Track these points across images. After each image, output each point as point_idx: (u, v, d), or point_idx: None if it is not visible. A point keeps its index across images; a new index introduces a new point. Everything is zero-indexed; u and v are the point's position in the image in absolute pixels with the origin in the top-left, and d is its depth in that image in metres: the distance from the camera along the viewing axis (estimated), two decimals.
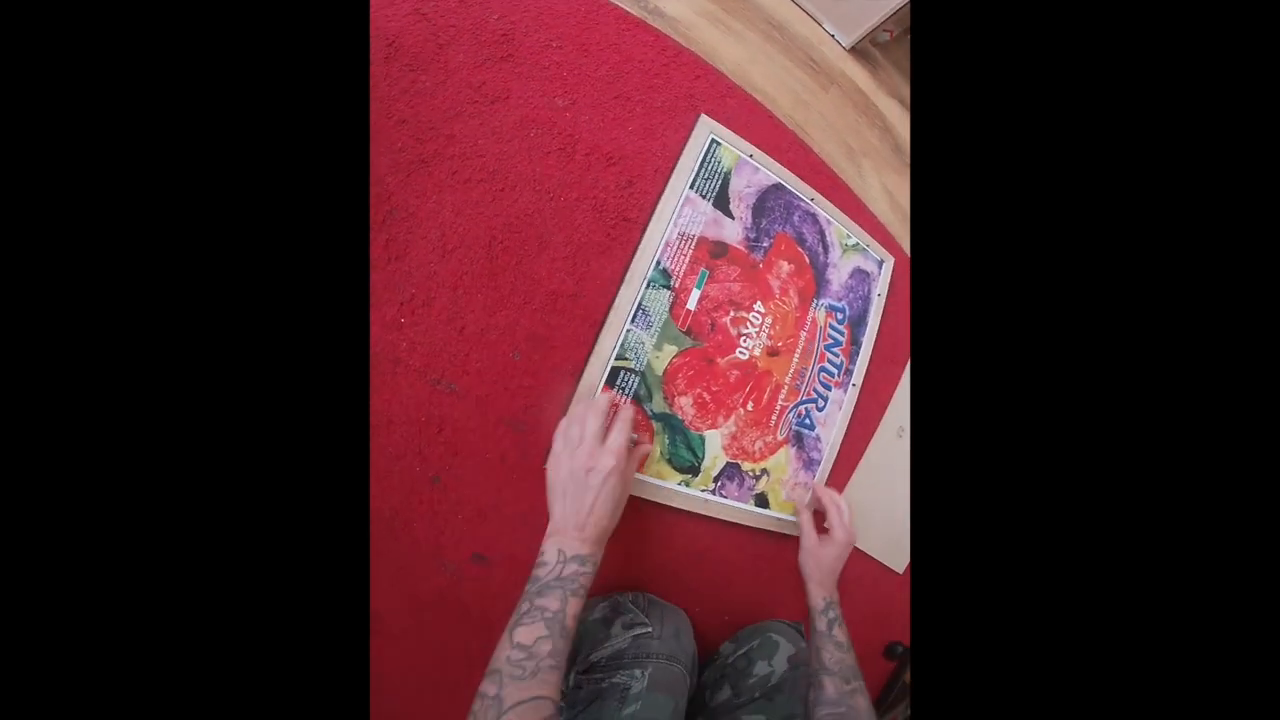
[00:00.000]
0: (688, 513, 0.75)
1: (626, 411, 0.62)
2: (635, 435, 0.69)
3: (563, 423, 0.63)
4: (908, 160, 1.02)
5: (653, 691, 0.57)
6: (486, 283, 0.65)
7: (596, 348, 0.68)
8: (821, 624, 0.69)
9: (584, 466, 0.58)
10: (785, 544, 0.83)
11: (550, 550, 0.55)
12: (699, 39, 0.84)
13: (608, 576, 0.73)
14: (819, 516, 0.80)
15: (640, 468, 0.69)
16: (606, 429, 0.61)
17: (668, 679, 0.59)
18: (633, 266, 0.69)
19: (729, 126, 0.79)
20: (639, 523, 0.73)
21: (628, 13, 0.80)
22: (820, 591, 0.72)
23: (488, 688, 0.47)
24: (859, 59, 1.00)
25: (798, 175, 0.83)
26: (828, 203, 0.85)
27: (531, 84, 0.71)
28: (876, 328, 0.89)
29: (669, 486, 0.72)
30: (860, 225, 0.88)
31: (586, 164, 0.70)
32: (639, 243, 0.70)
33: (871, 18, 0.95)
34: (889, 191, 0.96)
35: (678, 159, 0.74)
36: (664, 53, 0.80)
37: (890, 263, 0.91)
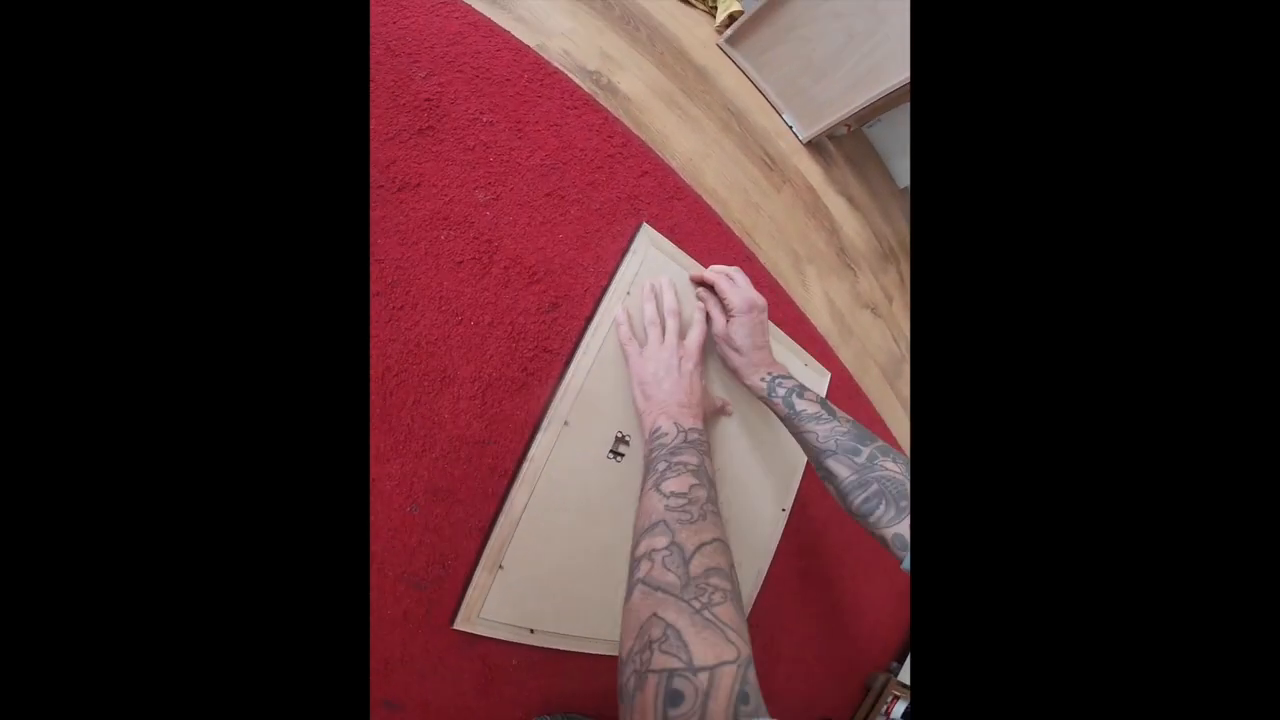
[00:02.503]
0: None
1: (698, 322, 0.63)
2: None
3: (624, 330, 0.60)
4: (849, 261, 0.95)
5: None
6: (378, 424, 0.51)
7: (507, 504, 0.55)
8: (779, 405, 0.57)
9: (675, 357, 0.58)
10: None
11: (666, 424, 0.53)
12: (651, 125, 0.72)
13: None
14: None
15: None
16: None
17: None
18: (552, 409, 0.57)
19: (673, 237, 0.68)
20: (567, 669, 0.64)
21: (577, 86, 0.67)
22: (755, 373, 0.60)
23: (656, 540, 0.40)
24: (813, 153, 0.92)
25: None
26: (770, 324, 0.76)
27: (450, 169, 0.57)
28: None
29: (594, 637, 0.63)
30: (800, 342, 0.80)
31: (505, 279, 0.57)
32: (561, 379, 0.58)
33: (835, 113, 0.87)
34: (830, 299, 0.89)
35: (611, 278, 0.63)
36: (610, 140, 0.68)
37: (827, 378, 0.84)
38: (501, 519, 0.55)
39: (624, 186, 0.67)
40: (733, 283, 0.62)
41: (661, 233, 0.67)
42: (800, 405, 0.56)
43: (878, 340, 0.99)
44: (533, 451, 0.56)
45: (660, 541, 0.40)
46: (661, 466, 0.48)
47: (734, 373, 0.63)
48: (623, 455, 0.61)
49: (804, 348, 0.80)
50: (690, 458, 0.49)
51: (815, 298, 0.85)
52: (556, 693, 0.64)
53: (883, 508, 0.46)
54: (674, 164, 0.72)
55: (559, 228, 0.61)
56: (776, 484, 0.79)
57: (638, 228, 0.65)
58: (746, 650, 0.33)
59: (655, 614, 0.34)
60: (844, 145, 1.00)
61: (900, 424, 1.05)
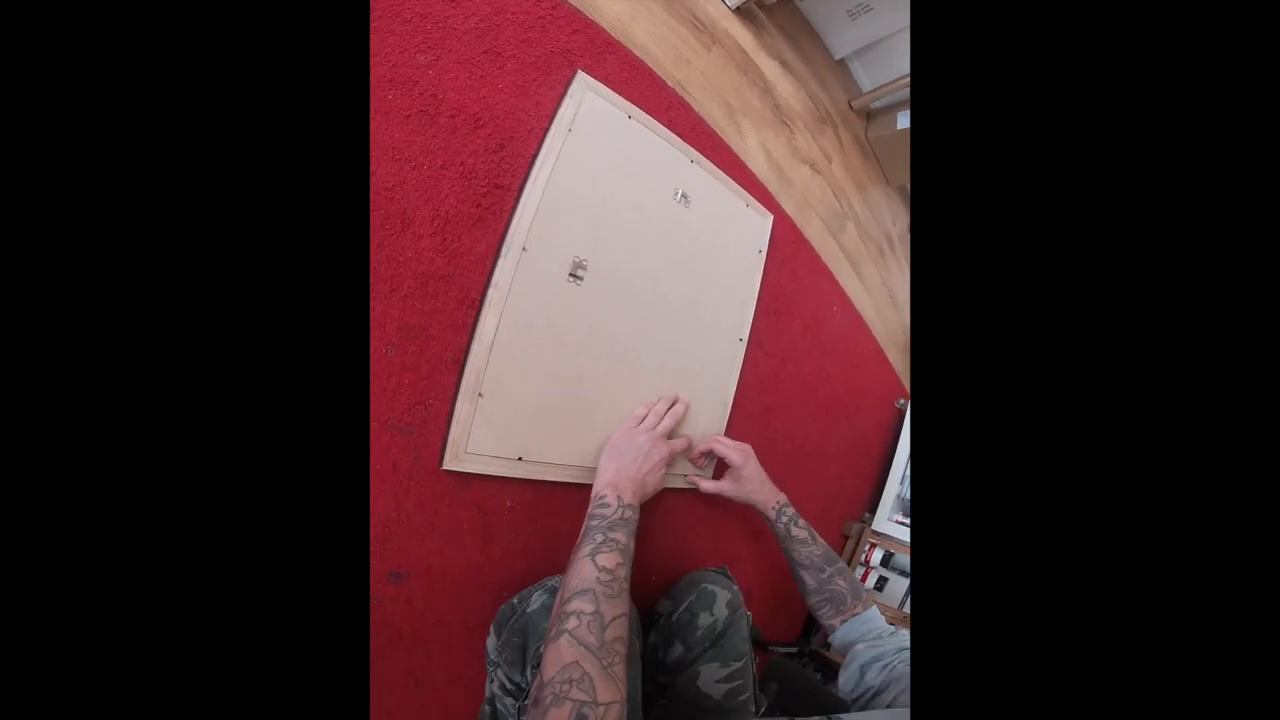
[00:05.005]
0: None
1: (683, 439, 0.74)
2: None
3: (640, 409, 0.72)
4: (784, 119, 0.97)
5: None
6: None
7: (478, 331, 0.59)
8: (780, 529, 0.74)
9: (650, 443, 0.68)
10: (689, 496, 0.83)
11: (611, 496, 0.61)
12: None
13: (537, 565, 0.68)
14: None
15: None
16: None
17: None
18: (509, 238, 0.61)
19: (608, 84, 0.70)
20: (560, 507, 0.68)
21: None
22: (767, 502, 0.75)
23: (583, 605, 0.49)
24: (743, 19, 0.92)
25: (678, 135, 0.76)
26: (708, 163, 0.79)
27: (391, 40, 0.59)
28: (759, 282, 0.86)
29: (578, 465, 0.68)
30: (740, 184, 0.83)
31: (452, 127, 0.60)
32: (513, 211, 0.62)
33: None
34: (767, 149, 0.91)
35: (552, 119, 0.65)
36: (540, 3, 0.69)
37: (770, 220, 0.87)
38: (475, 347, 0.59)
39: (556, 42, 0.69)
40: (724, 444, 0.78)
41: (597, 80, 0.69)
42: (794, 530, 0.74)
43: (818, 194, 1.02)
44: (496, 278, 0.60)
45: (588, 607, 0.49)
46: (599, 539, 0.56)
47: (745, 501, 0.77)
48: (581, 278, 0.66)
49: (745, 190, 0.83)
50: (621, 536, 0.57)
51: (752, 147, 0.88)
52: (554, 533, 0.68)
53: (828, 608, 0.70)
54: (603, 24, 0.74)
55: (498, 80, 0.64)
56: (733, 314, 0.83)
57: (573, 75, 0.67)
58: (625, 695, 0.46)
59: (577, 661, 0.45)
60: (775, 14, 1.00)
61: (846, 275, 1.08)
